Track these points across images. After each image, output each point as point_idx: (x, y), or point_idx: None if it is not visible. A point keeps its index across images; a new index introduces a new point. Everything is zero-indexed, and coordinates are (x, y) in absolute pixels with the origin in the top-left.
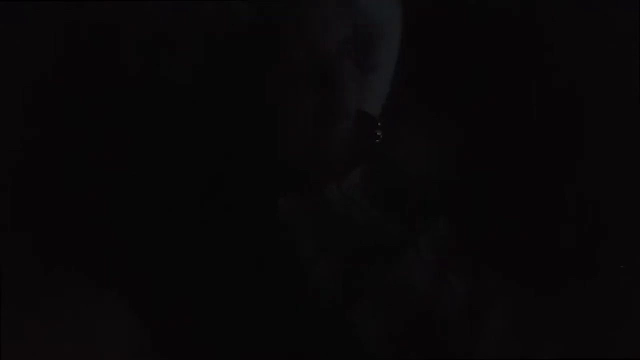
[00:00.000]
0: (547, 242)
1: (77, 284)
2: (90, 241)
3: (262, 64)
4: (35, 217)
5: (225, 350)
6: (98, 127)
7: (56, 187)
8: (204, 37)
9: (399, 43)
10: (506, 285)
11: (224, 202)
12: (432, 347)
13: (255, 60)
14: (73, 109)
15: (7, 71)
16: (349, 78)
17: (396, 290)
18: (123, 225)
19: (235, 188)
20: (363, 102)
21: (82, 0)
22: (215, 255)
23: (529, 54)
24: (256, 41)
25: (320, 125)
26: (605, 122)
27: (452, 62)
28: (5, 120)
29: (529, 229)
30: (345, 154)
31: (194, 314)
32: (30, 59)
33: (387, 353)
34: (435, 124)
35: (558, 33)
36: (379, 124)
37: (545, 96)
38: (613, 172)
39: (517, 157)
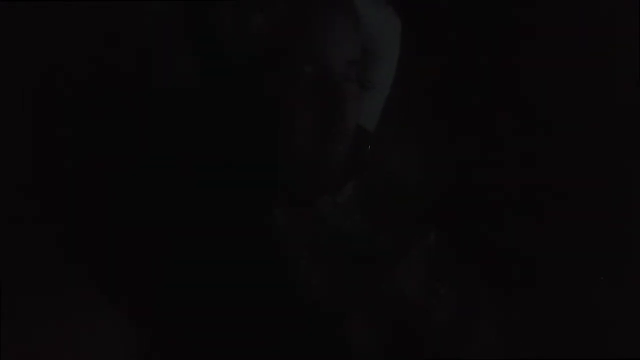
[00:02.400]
0: (533, 253)
1: (75, 286)
2: (87, 246)
3: (269, 76)
4: (35, 219)
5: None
6: (97, 131)
7: (57, 191)
8: (211, 44)
9: (396, 63)
10: (494, 295)
11: (222, 211)
12: (422, 355)
13: (262, 73)
14: (70, 111)
15: (6, 74)
16: (352, 97)
17: (387, 299)
18: (120, 232)
19: (233, 197)
20: (360, 118)
21: (81, 1)
22: (211, 262)
23: (522, 65)
24: (265, 53)
25: (321, 140)
26: (600, 129)
27: (445, 77)
28: (4, 123)
29: (518, 241)
30: (341, 168)
31: (192, 320)
32: (29, 61)
33: None
34: (427, 139)
35: (555, 36)
36: (371, 136)
37: (538, 108)
38: (604, 182)
39: (505, 171)
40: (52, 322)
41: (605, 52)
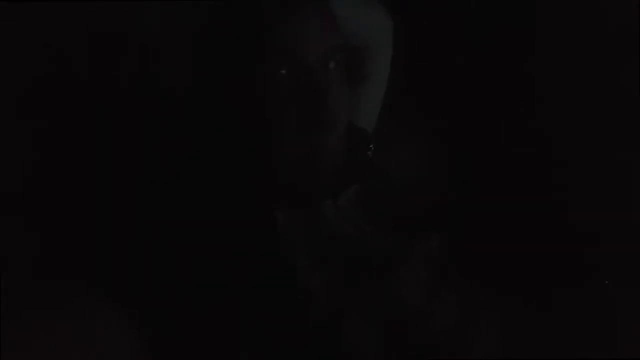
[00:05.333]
0: (537, 257)
1: (75, 286)
2: (87, 246)
3: (246, 75)
4: (32, 223)
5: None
6: (97, 131)
7: (56, 190)
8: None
9: (390, 56)
10: (497, 300)
11: (221, 211)
12: (422, 358)
13: (239, 72)
14: (67, 113)
15: (5, 74)
16: (337, 90)
17: (387, 302)
18: (120, 232)
19: (232, 199)
20: (355, 115)
21: (79, 2)
22: (210, 264)
23: (523, 63)
24: (236, 51)
25: (308, 138)
26: (602, 131)
27: (447, 75)
28: (2, 123)
29: (521, 244)
30: (337, 168)
31: (190, 320)
32: (27, 61)
33: None
34: (429, 139)
35: (553, 36)
36: (371, 137)
37: (539, 108)
38: (605, 184)
39: (508, 172)
40: (52, 323)
41: (605, 52)
